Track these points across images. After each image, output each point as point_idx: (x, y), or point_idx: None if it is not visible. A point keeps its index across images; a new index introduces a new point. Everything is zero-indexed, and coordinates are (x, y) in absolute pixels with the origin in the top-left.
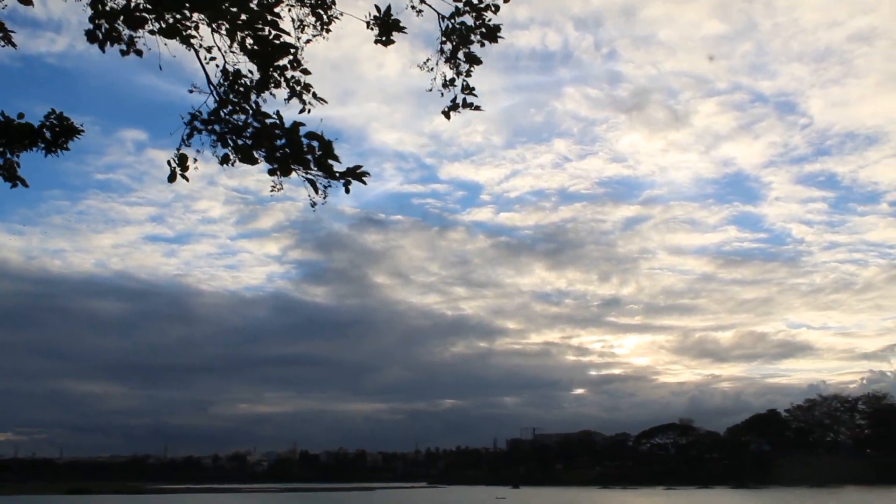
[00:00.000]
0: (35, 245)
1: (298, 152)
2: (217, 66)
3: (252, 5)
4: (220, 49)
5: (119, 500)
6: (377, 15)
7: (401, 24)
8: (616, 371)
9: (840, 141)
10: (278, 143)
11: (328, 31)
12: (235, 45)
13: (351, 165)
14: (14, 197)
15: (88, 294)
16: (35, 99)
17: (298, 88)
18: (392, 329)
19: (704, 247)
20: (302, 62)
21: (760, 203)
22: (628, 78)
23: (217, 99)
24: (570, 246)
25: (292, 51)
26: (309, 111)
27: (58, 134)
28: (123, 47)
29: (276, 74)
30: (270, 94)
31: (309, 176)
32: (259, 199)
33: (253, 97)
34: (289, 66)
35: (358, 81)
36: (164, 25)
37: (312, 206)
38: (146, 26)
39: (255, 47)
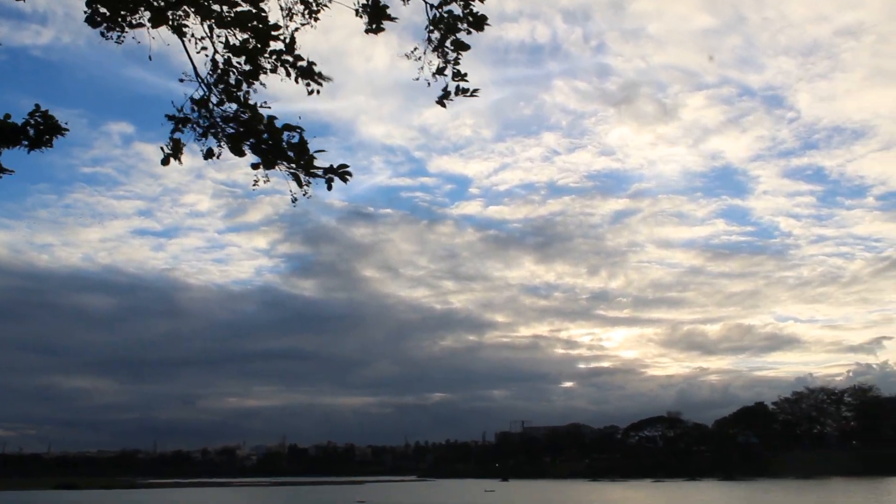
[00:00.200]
0: (21, 239)
1: (279, 146)
2: (206, 55)
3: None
4: (209, 38)
5: (108, 494)
6: (365, 2)
7: (388, 11)
8: (605, 364)
9: (827, 135)
10: (264, 136)
11: (316, 19)
12: (223, 37)
13: (336, 163)
14: None
15: (76, 288)
16: (20, 91)
17: (297, 71)
18: (381, 323)
19: (692, 240)
20: (296, 48)
21: (748, 196)
22: (617, 71)
23: (206, 90)
24: (559, 239)
25: (281, 36)
26: (318, 91)
27: (42, 132)
28: (121, 34)
29: (272, 60)
30: (261, 83)
31: (292, 170)
32: (247, 193)
33: (244, 87)
34: (285, 49)
35: (346, 74)
36: (153, 14)
37: (293, 201)
38: (136, 16)
39: (244, 38)
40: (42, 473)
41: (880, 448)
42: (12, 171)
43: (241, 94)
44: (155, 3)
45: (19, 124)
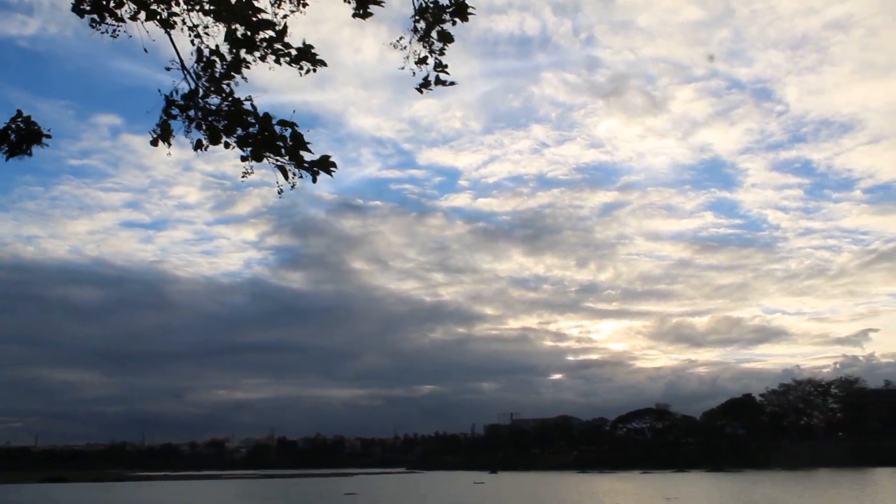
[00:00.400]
0: (7, 231)
1: (271, 140)
2: (193, 43)
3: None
4: (196, 28)
5: (96, 488)
6: None
7: None
8: (593, 356)
9: (815, 128)
10: (252, 130)
11: (305, 4)
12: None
13: (324, 155)
14: None
15: (63, 281)
16: (5, 83)
17: (290, 57)
18: (370, 315)
19: (681, 232)
20: (286, 36)
21: (737, 189)
22: (606, 63)
23: (193, 81)
24: (548, 232)
25: (274, 25)
26: (313, 70)
27: (22, 138)
28: (115, 29)
29: (262, 48)
30: (243, 77)
31: (279, 163)
32: (236, 185)
33: (229, 79)
34: (276, 36)
35: (335, 66)
36: (140, 7)
37: (279, 193)
38: (124, 8)
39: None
40: (29, 467)
41: (866, 439)
42: None
43: (225, 85)
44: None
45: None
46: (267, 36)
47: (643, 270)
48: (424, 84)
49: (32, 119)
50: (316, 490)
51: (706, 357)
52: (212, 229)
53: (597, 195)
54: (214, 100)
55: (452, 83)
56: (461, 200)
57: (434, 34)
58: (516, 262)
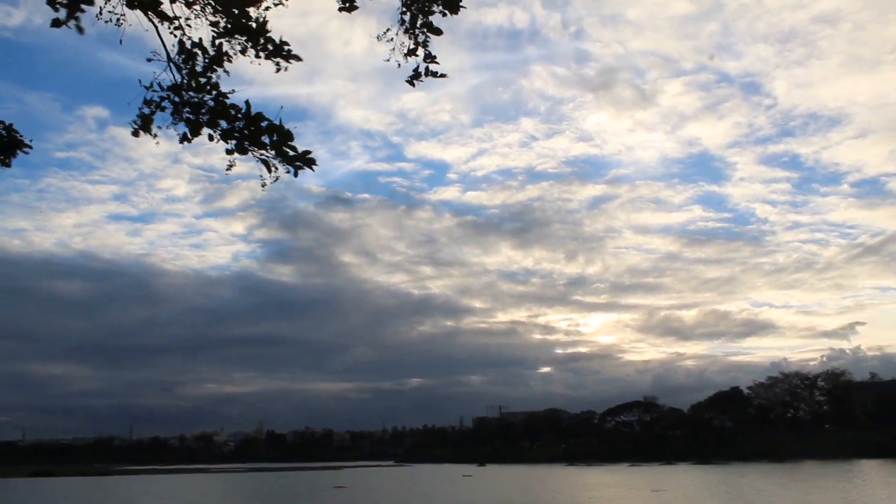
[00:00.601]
0: None
1: (257, 136)
2: (174, 35)
3: None
4: (178, 20)
5: (83, 482)
6: None
7: None
8: (582, 349)
9: (803, 122)
10: (237, 124)
11: None
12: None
13: (311, 149)
14: None
15: (50, 274)
16: None
17: (271, 49)
18: (358, 308)
19: (669, 226)
20: (268, 31)
21: (725, 183)
22: (595, 57)
23: (177, 74)
24: (537, 225)
25: (255, 18)
26: (286, 68)
27: (3, 147)
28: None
29: (242, 41)
30: (225, 71)
31: (262, 157)
32: (224, 178)
33: (216, 71)
34: (256, 29)
35: (324, 59)
36: None
37: (263, 186)
38: None
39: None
40: (16, 461)
41: (852, 432)
42: None
43: (206, 78)
44: None
45: None
46: (248, 28)
47: (632, 263)
48: (415, 76)
49: (14, 127)
50: (305, 483)
51: (694, 350)
52: (200, 222)
53: (586, 188)
54: (198, 92)
55: (443, 75)
56: (450, 193)
57: (422, 27)
58: (505, 255)
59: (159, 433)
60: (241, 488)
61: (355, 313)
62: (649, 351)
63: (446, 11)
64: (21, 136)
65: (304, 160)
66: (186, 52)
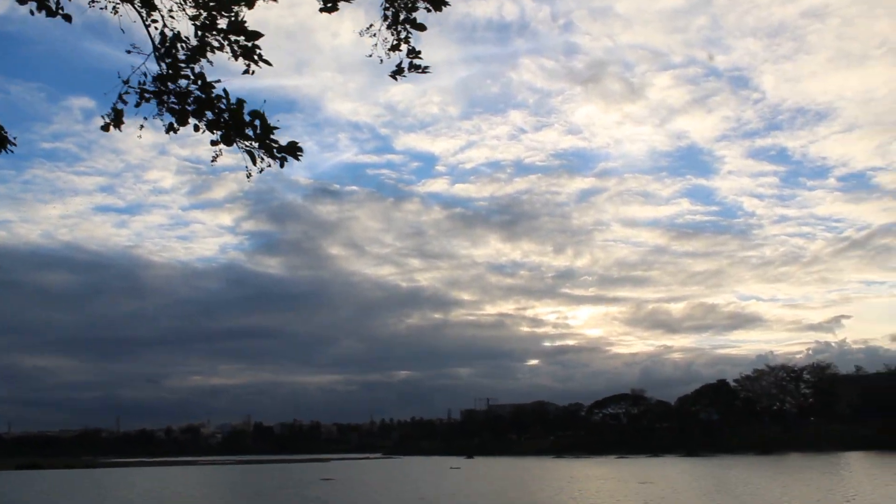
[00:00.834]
0: None
1: (240, 127)
2: (155, 28)
3: None
4: (160, 11)
5: (70, 474)
6: None
7: None
8: (570, 342)
9: (791, 116)
10: (223, 115)
11: None
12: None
13: (299, 141)
14: None
15: (36, 266)
16: None
17: (240, 50)
18: (346, 301)
19: (657, 219)
20: (245, 27)
21: (713, 176)
22: (584, 50)
23: (162, 64)
24: (525, 217)
25: (231, 15)
26: (253, 72)
27: None
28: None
29: (219, 38)
30: (208, 62)
31: (248, 148)
32: (212, 170)
33: (200, 63)
34: (230, 28)
35: (312, 50)
36: None
37: (248, 176)
38: None
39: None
40: (2, 454)
41: (836, 424)
42: None
43: (190, 68)
44: None
45: None
46: (226, 23)
47: (620, 257)
48: (398, 71)
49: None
50: (293, 476)
51: (681, 343)
52: (187, 214)
53: (574, 181)
54: (183, 82)
55: (426, 69)
56: (438, 186)
57: (406, 23)
58: (493, 247)
59: (146, 425)
60: (228, 481)
61: (343, 306)
62: (637, 344)
63: (430, 8)
64: (6, 132)
65: (290, 151)
66: (168, 43)
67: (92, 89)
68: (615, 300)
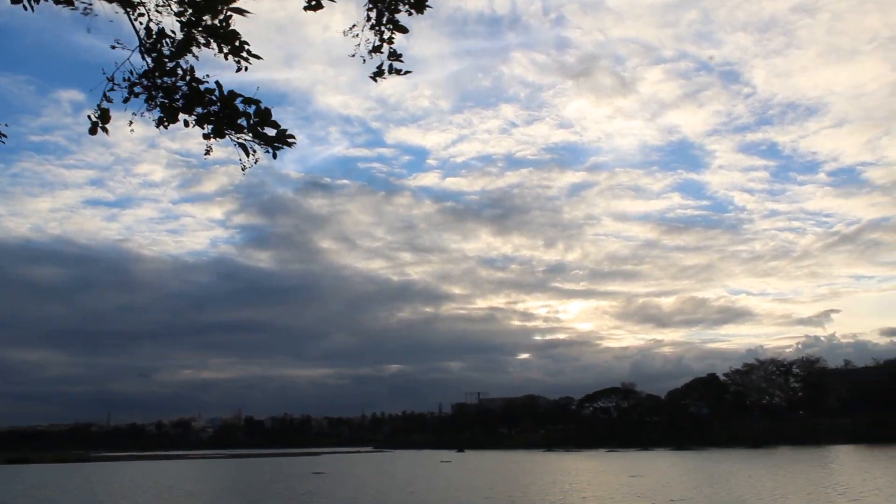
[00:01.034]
0: None
1: (233, 118)
2: (140, 23)
3: None
4: (145, 6)
5: (61, 468)
6: None
7: None
8: (560, 336)
9: (782, 111)
10: (213, 108)
11: None
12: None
13: (289, 133)
14: None
15: (25, 259)
16: None
17: (227, 48)
18: (337, 294)
19: (648, 213)
20: (231, 23)
21: (704, 171)
22: (576, 44)
23: (150, 59)
24: (516, 211)
25: (218, 14)
26: (246, 69)
27: None
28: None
29: (204, 35)
30: (194, 56)
31: (240, 140)
32: (202, 163)
33: (187, 58)
34: (218, 24)
35: (303, 43)
36: None
37: (243, 170)
38: None
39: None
40: None
41: (825, 418)
42: None
43: (176, 64)
44: None
45: None
46: (210, 24)
47: (610, 251)
48: (378, 73)
49: None
50: (284, 469)
51: (672, 337)
52: (177, 207)
53: (565, 175)
54: (170, 77)
55: (407, 72)
56: (429, 180)
57: (388, 24)
58: (484, 241)
59: (137, 419)
60: (219, 475)
61: (334, 299)
62: (627, 338)
63: (413, 11)
64: None
65: (282, 139)
66: (154, 39)
67: (81, 82)
68: (606, 294)
